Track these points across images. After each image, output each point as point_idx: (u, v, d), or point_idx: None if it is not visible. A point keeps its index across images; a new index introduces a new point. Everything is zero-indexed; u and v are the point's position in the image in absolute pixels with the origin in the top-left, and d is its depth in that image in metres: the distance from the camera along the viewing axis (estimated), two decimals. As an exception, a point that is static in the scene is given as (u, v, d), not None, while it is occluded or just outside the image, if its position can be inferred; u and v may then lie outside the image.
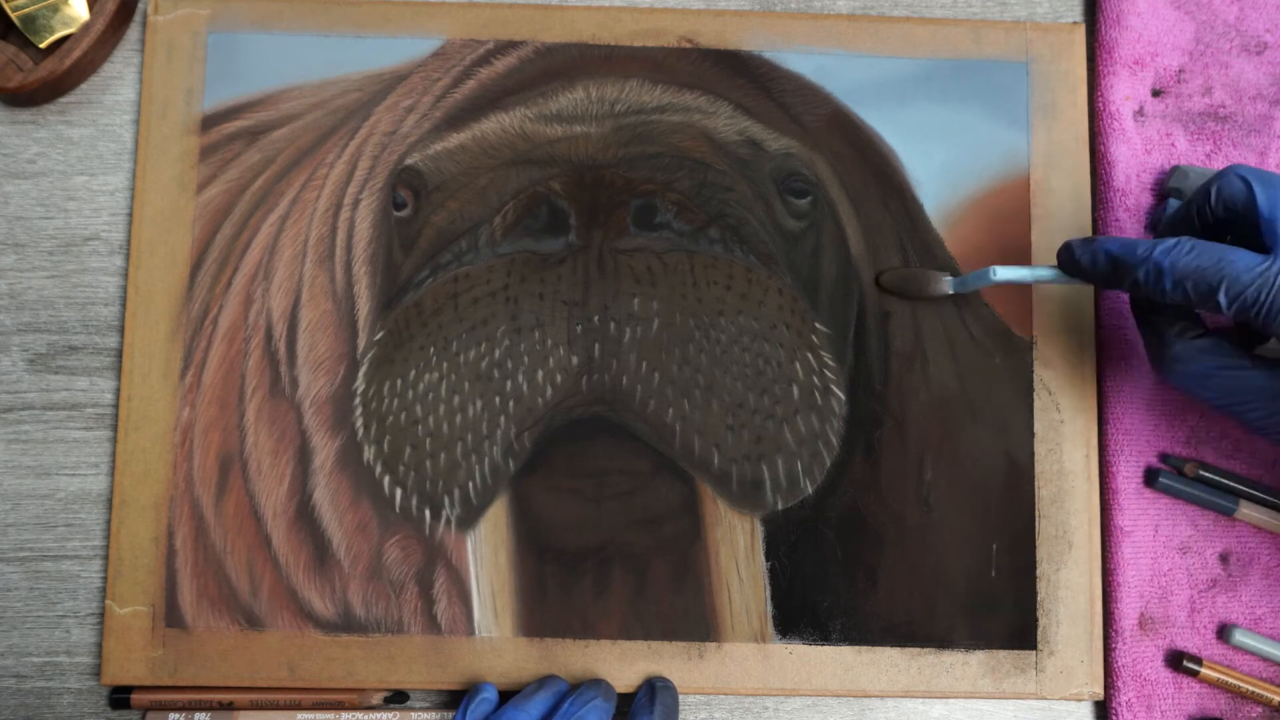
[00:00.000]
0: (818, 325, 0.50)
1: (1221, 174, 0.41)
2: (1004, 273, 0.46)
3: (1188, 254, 0.39)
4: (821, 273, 0.51)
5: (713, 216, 0.50)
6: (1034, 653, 0.49)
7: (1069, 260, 0.43)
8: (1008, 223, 0.52)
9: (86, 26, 0.51)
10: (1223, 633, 0.49)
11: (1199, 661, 0.48)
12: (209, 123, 0.52)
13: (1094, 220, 0.52)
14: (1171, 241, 0.40)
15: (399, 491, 0.49)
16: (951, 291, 0.49)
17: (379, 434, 0.49)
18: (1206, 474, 0.49)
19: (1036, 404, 0.50)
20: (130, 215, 0.52)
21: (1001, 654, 0.49)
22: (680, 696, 0.49)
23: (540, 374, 0.49)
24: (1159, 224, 0.50)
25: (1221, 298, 0.38)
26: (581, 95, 0.52)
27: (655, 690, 0.46)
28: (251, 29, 0.52)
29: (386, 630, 0.49)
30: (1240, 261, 0.38)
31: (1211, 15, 0.53)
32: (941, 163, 0.52)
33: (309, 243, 0.51)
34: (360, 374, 0.50)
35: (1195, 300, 0.39)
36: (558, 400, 0.49)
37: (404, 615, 0.49)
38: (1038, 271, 0.46)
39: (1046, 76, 0.52)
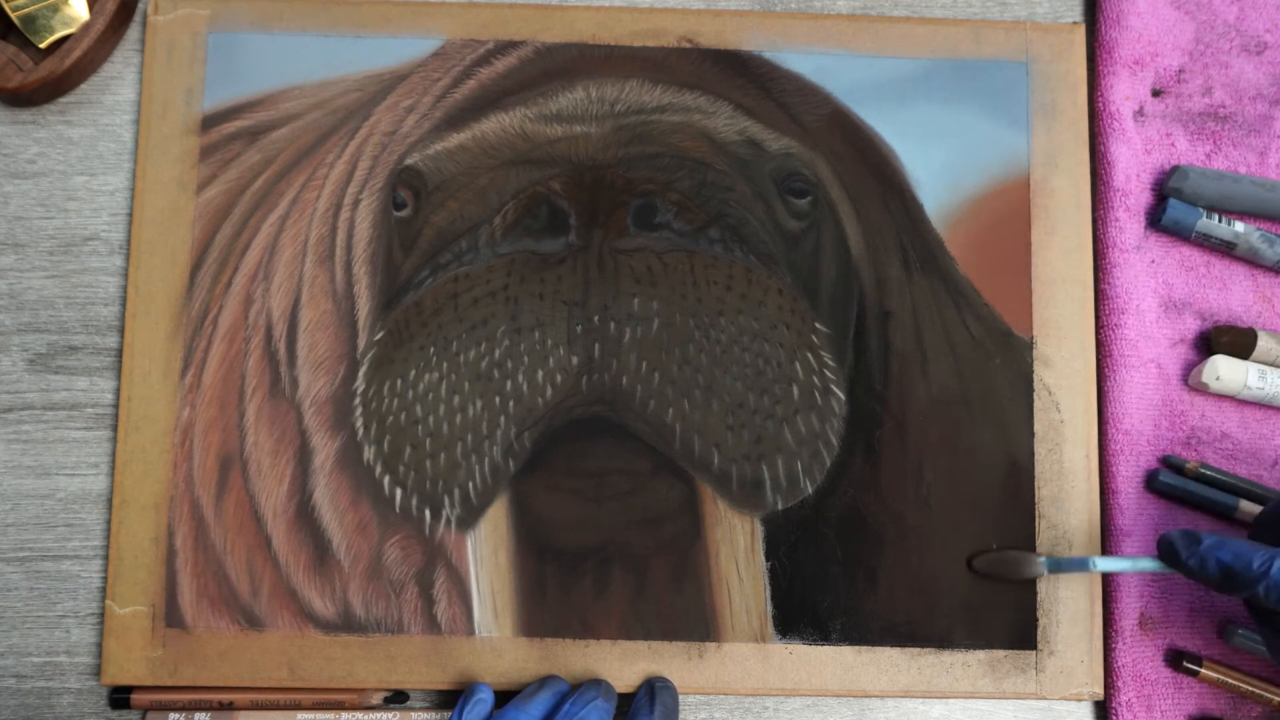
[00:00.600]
0: (818, 325, 0.50)
1: None
2: (1104, 564, 0.45)
3: None
4: (821, 273, 0.51)
5: (713, 216, 0.50)
6: (1034, 653, 0.49)
7: (1173, 558, 0.42)
8: (1008, 223, 0.52)
9: (86, 26, 0.51)
10: (1223, 633, 0.49)
11: (1199, 661, 0.48)
12: (209, 123, 0.52)
13: (1094, 220, 0.52)
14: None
15: (399, 491, 0.49)
16: (1046, 574, 0.48)
17: (379, 434, 0.49)
18: (1207, 474, 0.49)
19: (1036, 404, 0.50)
20: (130, 215, 0.52)
21: (1001, 654, 0.49)
22: (680, 696, 0.49)
23: (540, 374, 0.49)
24: (1160, 222, 0.50)
25: None
26: (581, 95, 0.52)
27: (655, 691, 0.46)
28: (251, 29, 0.52)
29: (386, 630, 0.49)
30: None
31: (1211, 15, 0.53)
32: (941, 163, 0.52)
33: (309, 243, 0.51)
34: (360, 374, 0.50)
35: None
36: (558, 400, 0.49)
37: (404, 615, 0.49)
38: (1140, 563, 0.44)
39: (1046, 76, 0.52)
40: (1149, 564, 0.44)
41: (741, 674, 0.49)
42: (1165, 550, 0.42)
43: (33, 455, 0.51)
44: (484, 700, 0.45)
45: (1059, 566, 0.48)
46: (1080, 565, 0.46)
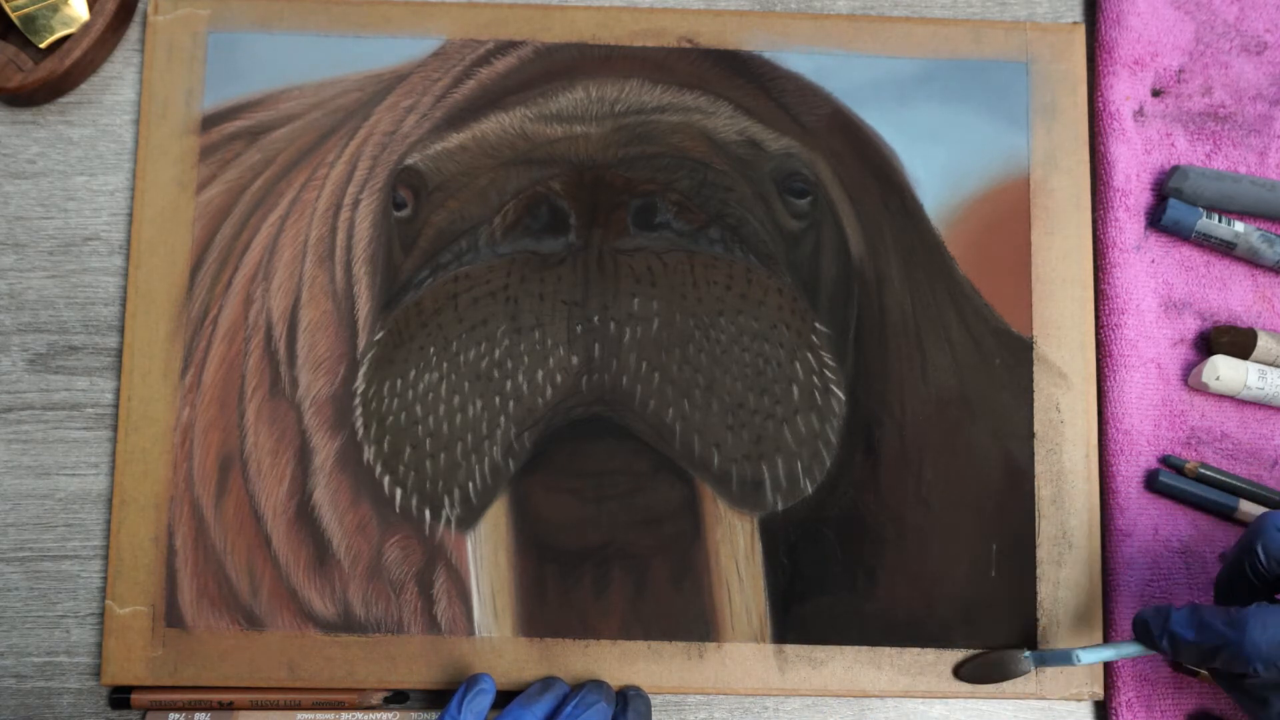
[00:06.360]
0: (818, 325, 0.50)
1: (1262, 529, 0.40)
2: (1087, 655, 0.44)
3: (1264, 631, 0.38)
4: (821, 273, 0.51)
5: (713, 216, 0.50)
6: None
7: (1148, 637, 0.42)
8: (1008, 223, 0.52)
9: (86, 26, 0.51)
10: (1223, 633, 0.49)
11: (1199, 661, 0.48)
12: (209, 123, 0.52)
13: (1094, 220, 0.52)
14: (1241, 617, 0.38)
15: (399, 491, 0.49)
16: (1032, 669, 0.47)
17: (379, 434, 0.49)
18: (1207, 474, 0.49)
19: (1036, 404, 0.50)
20: (130, 215, 0.52)
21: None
22: (680, 697, 0.49)
23: (540, 374, 0.49)
24: (1160, 222, 0.50)
25: None
26: (581, 95, 0.52)
27: (628, 699, 0.46)
28: (251, 29, 0.52)
29: (386, 630, 0.49)
30: None
31: (1211, 15, 0.53)
32: (941, 163, 0.52)
33: (309, 243, 0.51)
34: (360, 374, 0.50)
35: None
36: (558, 400, 0.49)
37: (404, 615, 0.49)
38: (1122, 649, 0.44)
39: (1046, 76, 0.52)
40: (1130, 648, 0.43)
41: (741, 674, 0.49)
42: (1139, 629, 0.42)
43: (33, 455, 0.51)
44: (485, 691, 0.44)
45: (1043, 660, 0.47)
46: (1064, 658, 0.45)
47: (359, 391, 0.50)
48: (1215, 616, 0.39)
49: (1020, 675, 0.48)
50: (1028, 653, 0.47)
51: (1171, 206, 0.50)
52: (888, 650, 0.49)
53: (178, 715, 0.48)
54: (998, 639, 0.49)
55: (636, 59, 0.52)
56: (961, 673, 0.49)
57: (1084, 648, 0.45)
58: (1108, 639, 0.49)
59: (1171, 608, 0.41)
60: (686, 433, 0.49)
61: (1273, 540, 0.40)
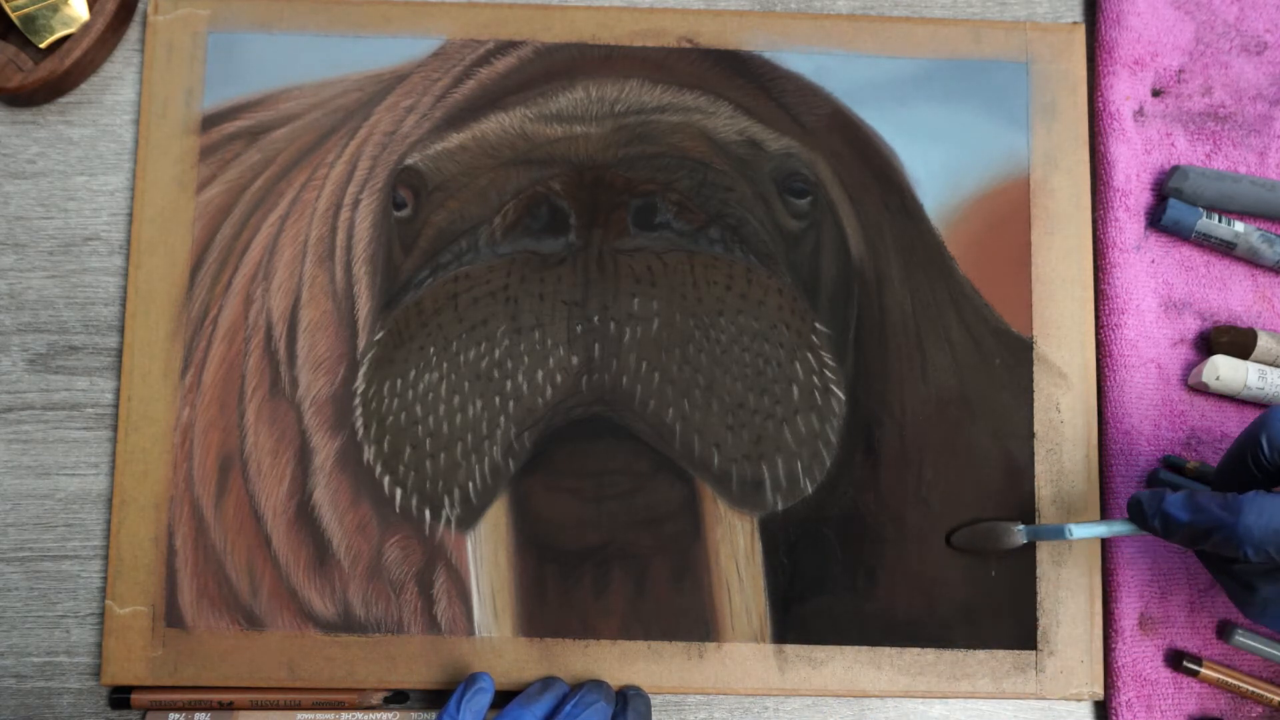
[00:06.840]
0: (818, 325, 0.50)
1: (1268, 421, 0.40)
2: (1080, 530, 0.45)
3: (1259, 516, 0.38)
4: (821, 273, 0.51)
5: (713, 216, 0.50)
6: (1034, 653, 0.49)
7: (1140, 518, 0.42)
8: (1008, 223, 0.52)
9: (86, 26, 0.51)
10: (1223, 632, 0.49)
11: (1199, 661, 0.48)
12: (209, 123, 0.52)
13: (1094, 220, 0.52)
14: (1237, 503, 0.38)
15: (399, 491, 0.49)
16: (1025, 542, 0.48)
17: (379, 434, 0.49)
18: (1207, 473, 0.49)
19: (1036, 404, 0.50)
20: (130, 215, 0.52)
21: (1001, 654, 0.49)
22: (680, 697, 0.49)
23: (540, 374, 0.49)
24: (1160, 222, 0.50)
25: None
26: (581, 95, 0.52)
27: (628, 699, 0.46)
28: (251, 29, 0.52)
29: (386, 630, 0.49)
30: None
31: (1211, 15, 0.53)
32: (941, 163, 0.52)
33: (309, 243, 0.51)
34: (360, 374, 0.50)
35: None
36: (558, 400, 0.49)
37: (404, 615, 0.49)
38: (1114, 526, 0.44)
39: (1046, 76, 0.52)
40: (1123, 527, 0.44)
41: (741, 674, 0.49)
42: (1134, 510, 0.42)
43: (33, 455, 0.51)
44: (484, 690, 0.44)
45: (1037, 534, 0.48)
46: (1057, 533, 0.46)
47: (359, 391, 0.50)
48: (1211, 501, 0.39)
49: (1012, 547, 0.48)
50: (1021, 526, 0.48)
51: (1171, 206, 0.50)
52: (888, 650, 0.49)
53: (178, 715, 0.49)
54: (998, 639, 0.49)
55: (636, 59, 0.52)
56: (954, 540, 0.49)
57: (1077, 523, 0.45)
58: (1107, 640, 0.49)
59: (1167, 491, 0.41)
60: (686, 433, 0.49)
61: (1277, 432, 0.40)
